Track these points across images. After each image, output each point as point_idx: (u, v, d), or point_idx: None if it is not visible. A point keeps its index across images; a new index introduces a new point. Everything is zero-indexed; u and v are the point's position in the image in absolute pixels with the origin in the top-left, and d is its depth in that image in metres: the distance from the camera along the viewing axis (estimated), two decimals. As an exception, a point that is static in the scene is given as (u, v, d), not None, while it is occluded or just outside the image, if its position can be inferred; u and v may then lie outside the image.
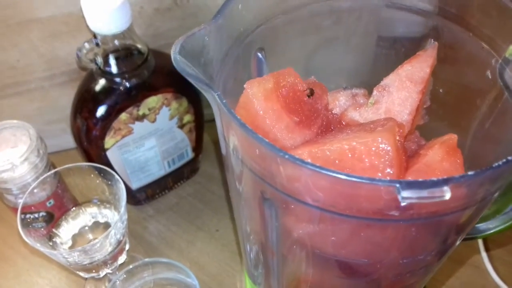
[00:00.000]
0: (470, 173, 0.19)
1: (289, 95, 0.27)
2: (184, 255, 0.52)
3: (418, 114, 0.31)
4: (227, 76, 0.28)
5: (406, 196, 0.18)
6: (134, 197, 0.55)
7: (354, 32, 0.33)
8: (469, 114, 0.30)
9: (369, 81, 0.33)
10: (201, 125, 0.55)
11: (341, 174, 0.19)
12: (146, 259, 0.44)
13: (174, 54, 0.23)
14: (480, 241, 0.50)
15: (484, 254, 0.50)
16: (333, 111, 0.32)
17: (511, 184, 0.33)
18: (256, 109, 0.26)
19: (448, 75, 0.31)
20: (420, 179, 0.18)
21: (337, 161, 0.23)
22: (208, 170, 0.59)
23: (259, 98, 0.26)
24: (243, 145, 0.23)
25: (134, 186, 0.54)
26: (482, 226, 0.33)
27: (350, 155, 0.23)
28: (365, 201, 0.21)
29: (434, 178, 0.19)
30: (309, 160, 0.24)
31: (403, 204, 0.18)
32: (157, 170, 0.54)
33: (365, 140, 0.23)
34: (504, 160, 0.20)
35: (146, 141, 0.50)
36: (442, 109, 0.32)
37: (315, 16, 0.31)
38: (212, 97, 0.23)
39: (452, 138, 0.26)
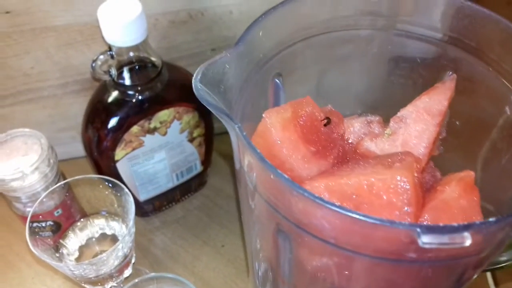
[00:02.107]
0: (491, 219, 0.19)
1: (306, 124, 0.27)
2: (189, 270, 0.52)
3: (434, 146, 0.31)
4: (245, 102, 0.28)
5: (427, 241, 0.18)
6: (141, 209, 0.55)
7: (370, 58, 0.33)
8: (484, 147, 0.30)
9: (385, 108, 0.33)
10: (210, 139, 0.55)
11: (359, 214, 0.19)
12: (152, 274, 0.43)
13: (195, 82, 0.23)
14: (489, 275, 0.49)
15: None
16: (348, 138, 0.32)
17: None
18: (274, 138, 0.26)
19: (465, 108, 0.31)
20: (441, 224, 0.18)
21: (354, 196, 0.23)
22: (215, 184, 0.59)
23: (277, 127, 0.26)
24: (260, 177, 0.23)
25: (142, 197, 0.54)
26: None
27: (367, 191, 0.23)
28: (382, 241, 0.20)
29: (455, 224, 0.18)
30: (326, 193, 0.24)
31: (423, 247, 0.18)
32: (165, 183, 0.54)
33: (383, 177, 0.23)
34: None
35: (156, 154, 0.51)
36: (457, 140, 0.31)
37: (332, 42, 0.31)
38: (232, 128, 0.23)
39: (469, 175, 0.26)
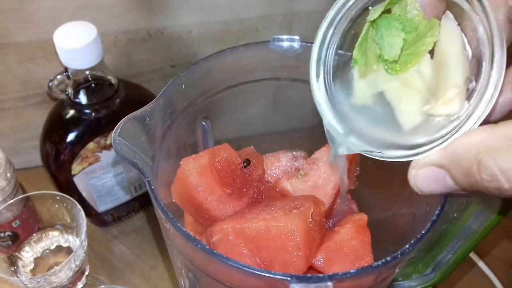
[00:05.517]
0: (352, 271, 0.23)
1: (223, 168, 0.31)
2: (145, 279, 0.56)
3: (349, 181, 0.35)
4: (171, 144, 0.31)
5: (296, 289, 0.22)
6: (101, 219, 0.59)
7: (291, 102, 0.36)
8: (390, 183, 0.34)
9: (310, 145, 0.37)
10: (168, 153, 0.58)
11: (241, 265, 0.23)
12: (102, 286, 0.48)
13: (115, 136, 0.27)
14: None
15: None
16: (273, 171, 0.36)
17: (429, 251, 0.37)
18: (191, 182, 0.30)
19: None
20: (308, 275, 0.22)
21: (255, 239, 0.27)
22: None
23: (193, 173, 0.30)
24: (167, 226, 0.27)
25: (101, 209, 0.57)
26: (405, 283, 0.37)
27: (265, 235, 0.27)
28: (265, 286, 0.24)
29: (321, 275, 0.23)
30: (232, 235, 0.28)
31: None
32: (124, 195, 0.58)
33: (279, 224, 0.27)
34: (383, 260, 0.24)
35: (113, 169, 0.54)
36: (370, 177, 0.36)
37: (256, 89, 0.35)
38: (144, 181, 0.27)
39: (362, 218, 0.30)
